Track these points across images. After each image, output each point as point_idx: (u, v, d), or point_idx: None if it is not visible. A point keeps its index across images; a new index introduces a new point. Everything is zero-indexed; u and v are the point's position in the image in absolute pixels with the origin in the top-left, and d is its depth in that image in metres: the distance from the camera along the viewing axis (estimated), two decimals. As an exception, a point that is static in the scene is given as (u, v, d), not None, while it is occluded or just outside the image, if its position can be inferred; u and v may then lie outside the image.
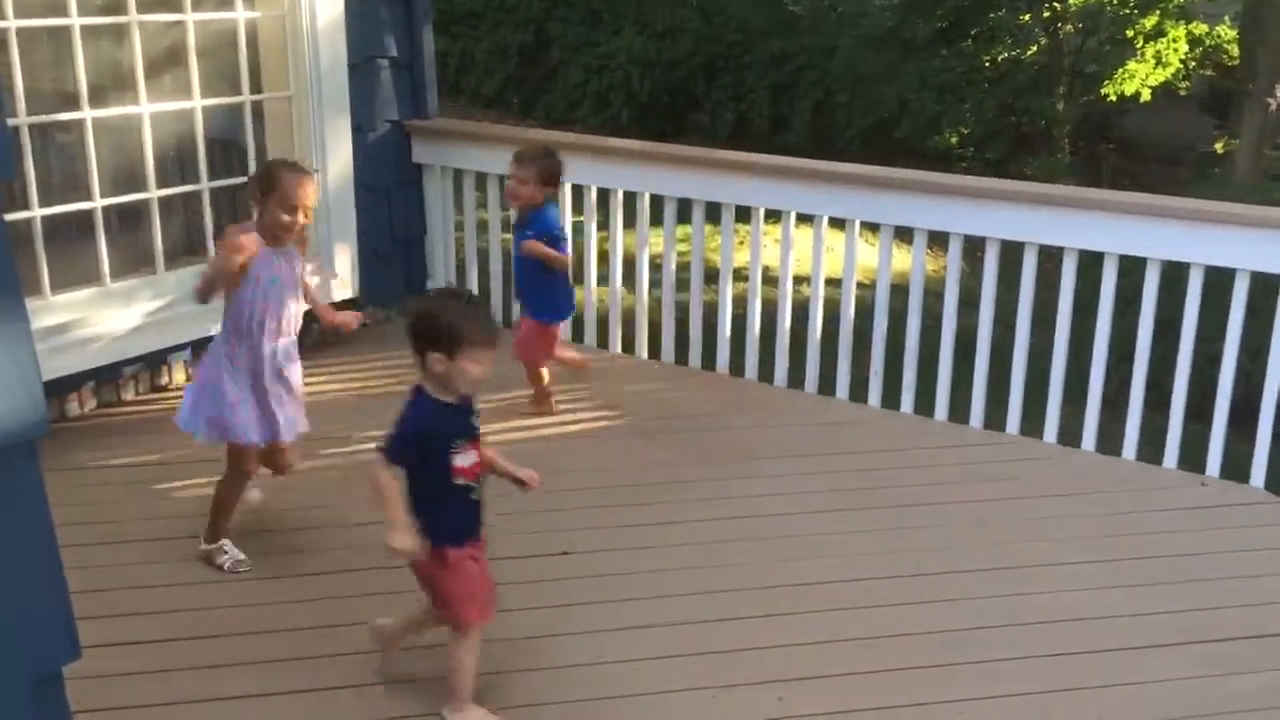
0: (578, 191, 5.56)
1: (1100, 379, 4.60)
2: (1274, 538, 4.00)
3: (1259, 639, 3.37)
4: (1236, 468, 4.38)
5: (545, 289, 4.75)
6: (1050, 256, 4.72)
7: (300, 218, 3.51)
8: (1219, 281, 4.40)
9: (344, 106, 5.38)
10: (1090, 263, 4.61)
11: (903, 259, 6.56)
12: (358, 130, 5.49)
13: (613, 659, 3.24)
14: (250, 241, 3.46)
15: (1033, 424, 4.77)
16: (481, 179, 5.86)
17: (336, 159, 5.36)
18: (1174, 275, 4.47)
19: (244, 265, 3.45)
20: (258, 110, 5.22)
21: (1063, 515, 4.11)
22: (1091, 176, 11.10)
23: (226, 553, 3.65)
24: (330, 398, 5.00)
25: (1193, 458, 4.46)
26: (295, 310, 3.61)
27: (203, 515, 3.73)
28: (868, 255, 6.90)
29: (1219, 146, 11.64)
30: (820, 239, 5.06)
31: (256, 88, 5.19)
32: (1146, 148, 12.47)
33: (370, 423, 4.65)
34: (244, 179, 5.15)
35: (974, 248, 5.04)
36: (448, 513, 2.85)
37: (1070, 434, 4.70)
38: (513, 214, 4.86)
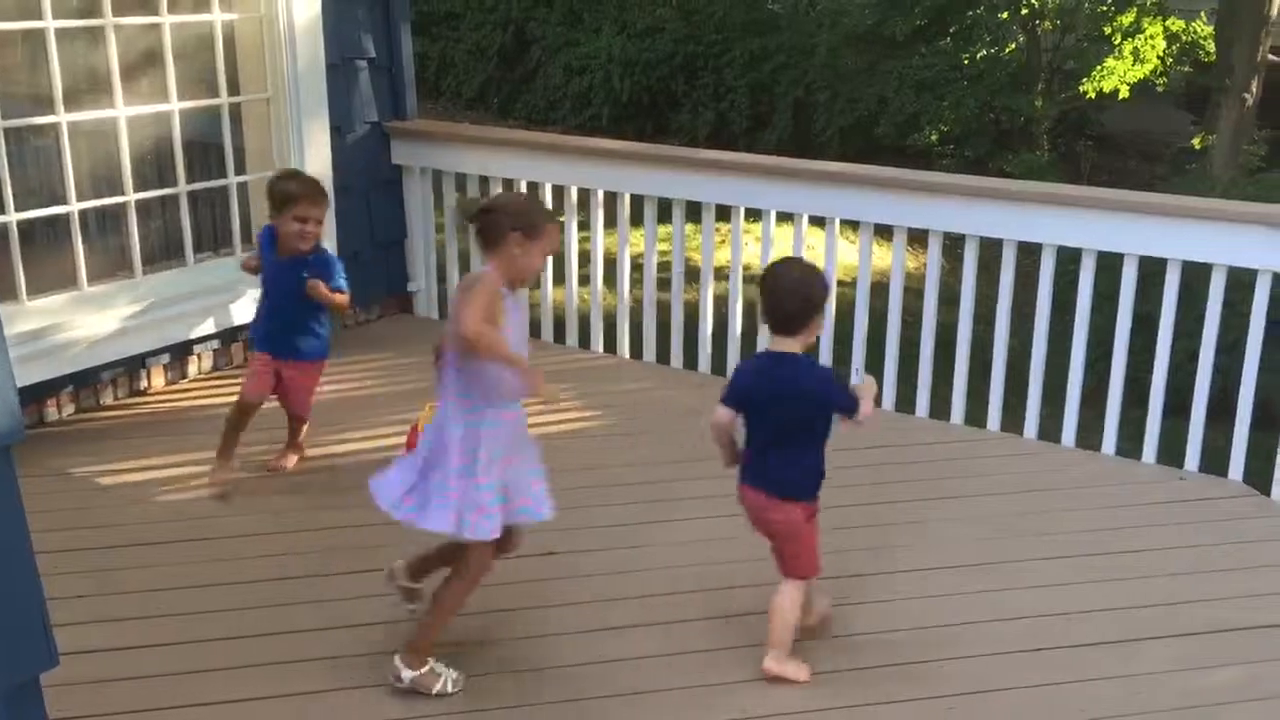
0: (558, 191, 5.56)
1: (1080, 374, 4.63)
2: (1252, 530, 4.02)
3: (1239, 631, 3.40)
4: (1215, 461, 4.41)
5: (323, 325, 4.26)
6: (1030, 253, 4.74)
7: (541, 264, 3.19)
8: (1196, 277, 4.43)
9: (322, 108, 5.36)
10: (1070, 259, 4.63)
11: (883, 256, 6.59)
12: (336, 131, 5.48)
13: (594, 659, 3.24)
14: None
15: (1013, 419, 4.79)
16: (462, 180, 5.84)
17: (315, 161, 5.34)
18: (1152, 271, 4.49)
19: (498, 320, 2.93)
20: (235, 112, 5.20)
21: (1043, 510, 4.13)
22: (1071, 172, 11.15)
23: (440, 675, 3.06)
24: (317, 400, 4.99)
25: (1172, 452, 4.49)
26: None
27: (180, 520, 3.71)
28: (848, 253, 6.92)
29: (1196, 142, 11.69)
30: (800, 238, 5.07)
31: (234, 90, 5.16)
32: (1125, 143, 12.53)
33: (358, 425, 4.66)
34: (222, 181, 5.14)
35: (954, 244, 5.05)
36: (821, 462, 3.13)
37: (1050, 429, 4.72)
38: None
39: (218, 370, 5.30)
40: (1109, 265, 4.56)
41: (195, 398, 5.02)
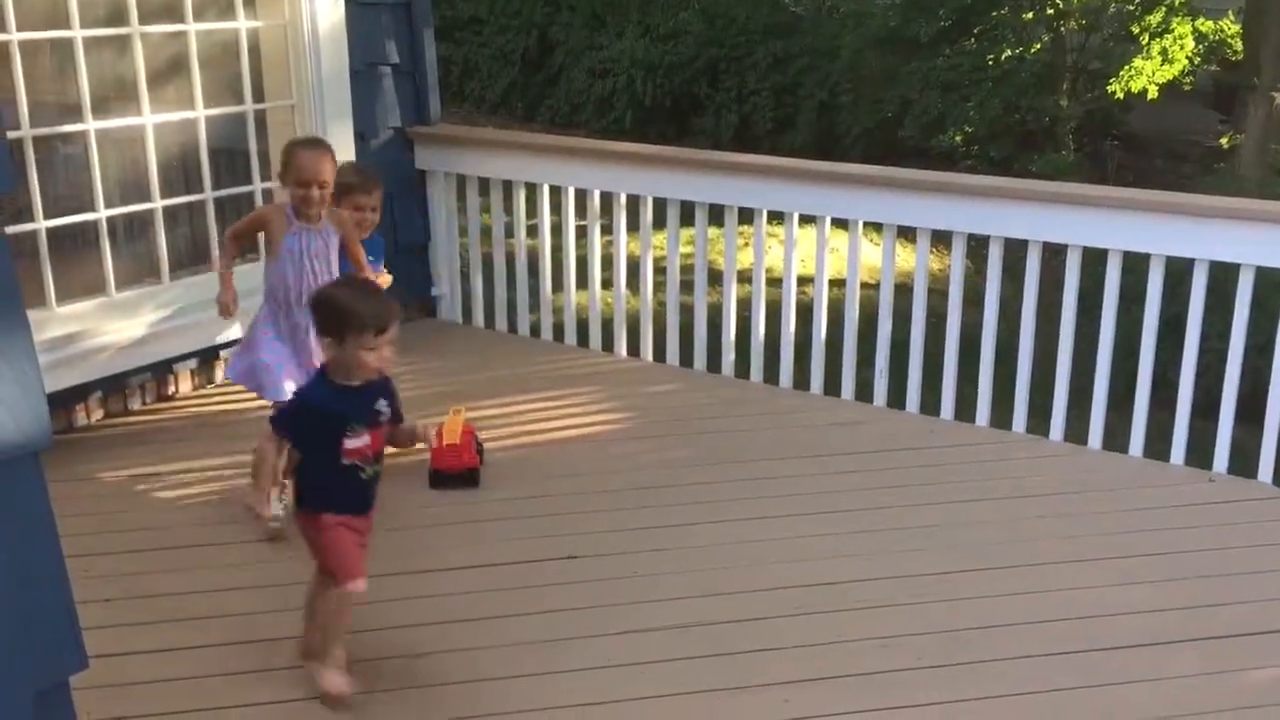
0: (581, 196, 5.57)
1: (1106, 376, 4.60)
2: (1283, 533, 3.99)
3: (1268, 634, 3.36)
4: (1244, 463, 4.37)
5: None
6: (1055, 253, 4.71)
7: (314, 192, 3.81)
8: (1224, 277, 4.39)
9: (346, 114, 5.39)
10: (1095, 260, 4.60)
11: (907, 258, 6.57)
12: (360, 137, 5.50)
13: (618, 663, 3.24)
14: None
15: (1039, 422, 4.76)
16: (485, 184, 5.86)
17: (340, 166, 5.37)
18: (1179, 271, 4.46)
19: (272, 240, 3.87)
20: (260, 119, 5.23)
21: (1070, 513, 4.10)
22: (1097, 173, 11.08)
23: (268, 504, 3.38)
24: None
25: (1200, 454, 4.45)
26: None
27: (207, 524, 3.73)
28: (871, 255, 6.89)
29: (1224, 141, 11.61)
30: (823, 240, 5.06)
31: (259, 96, 5.20)
32: (1151, 143, 12.45)
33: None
34: (248, 188, 5.18)
35: (978, 245, 5.03)
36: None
37: (1077, 432, 4.69)
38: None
39: (244, 375, 5.33)
40: (1135, 266, 4.52)
41: (222, 402, 5.05)
